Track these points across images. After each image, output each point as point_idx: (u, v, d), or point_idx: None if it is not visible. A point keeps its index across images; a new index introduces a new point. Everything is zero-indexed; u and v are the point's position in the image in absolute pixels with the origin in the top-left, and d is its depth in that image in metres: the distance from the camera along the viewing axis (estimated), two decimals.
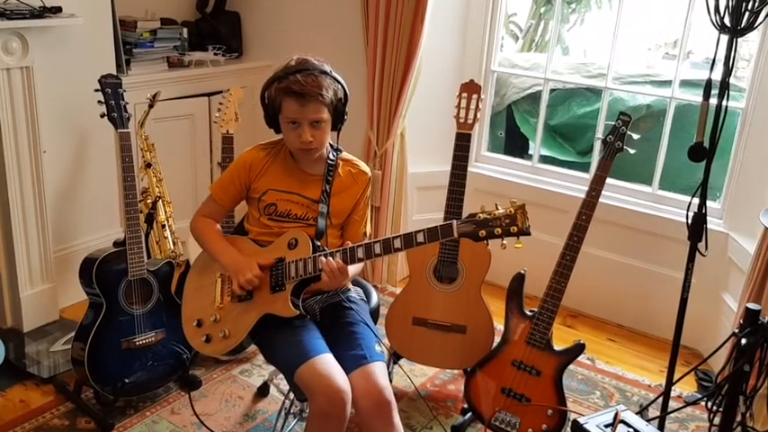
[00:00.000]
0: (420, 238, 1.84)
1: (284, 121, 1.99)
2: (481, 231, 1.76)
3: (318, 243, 2.00)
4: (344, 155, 2.15)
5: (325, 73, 1.96)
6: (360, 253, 1.91)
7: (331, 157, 2.09)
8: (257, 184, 2.09)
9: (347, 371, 1.93)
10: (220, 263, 2.08)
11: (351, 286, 2.24)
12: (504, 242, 1.77)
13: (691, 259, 2.33)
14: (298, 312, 1.95)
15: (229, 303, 2.06)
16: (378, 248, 1.89)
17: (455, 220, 1.79)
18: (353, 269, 2.06)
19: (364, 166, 2.17)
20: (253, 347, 2.31)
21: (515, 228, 1.74)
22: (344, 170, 2.12)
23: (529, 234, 1.74)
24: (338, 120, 2.02)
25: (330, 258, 1.91)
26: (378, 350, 2.00)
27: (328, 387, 1.84)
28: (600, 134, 3.35)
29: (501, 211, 1.76)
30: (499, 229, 1.75)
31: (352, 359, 1.95)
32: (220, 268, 2.10)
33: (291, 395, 2.33)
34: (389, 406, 1.91)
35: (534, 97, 4.15)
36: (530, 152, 4.20)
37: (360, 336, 2.02)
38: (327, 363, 1.89)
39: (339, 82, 2.00)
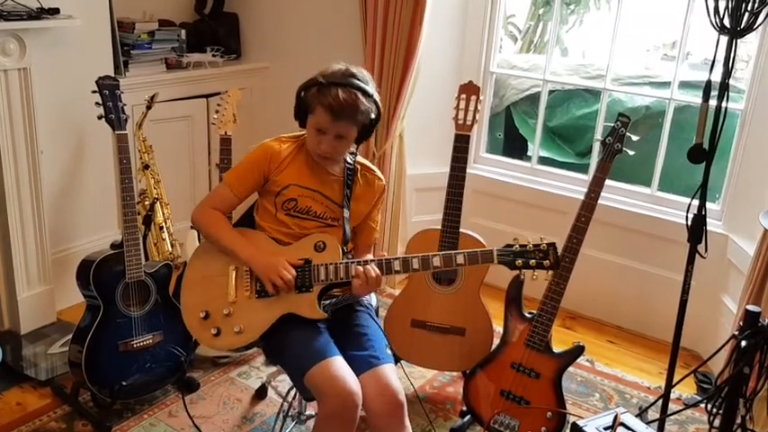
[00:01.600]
0: (460, 259, 1.93)
1: (311, 125, 1.99)
2: (518, 261, 1.90)
3: (346, 249, 2.02)
4: (360, 159, 2.14)
5: (366, 94, 1.95)
6: (396, 266, 1.94)
7: (349, 160, 2.09)
8: (277, 177, 2.05)
9: (358, 372, 1.92)
10: (242, 260, 2.01)
11: None
12: (536, 274, 1.92)
13: (690, 261, 2.33)
14: (325, 315, 1.96)
15: (245, 298, 2.01)
16: (416, 264, 1.94)
17: (495, 248, 1.92)
18: None
19: (380, 173, 2.17)
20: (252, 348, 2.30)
21: (548, 262, 1.89)
22: (362, 175, 2.12)
23: (559, 269, 1.94)
24: (364, 136, 2.03)
25: (367, 267, 1.92)
26: (388, 353, 2.00)
27: (342, 390, 1.83)
28: (599, 135, 3.34)
29: (534, 244, 1.90)
30: (534, 261, 1.90)
31: (363, 361, 1.95)
32: (232, 261, 2.04)
33: (290, 397, 2.33)
34: (402, 408, 1.91)
35: (533, 98, 4.15)
36: (528, 153, 4.20)
37: (371, 338, 2.02)
38: (339, 365, 1.88)
39: (376, 104, 1.99)
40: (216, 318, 2.02)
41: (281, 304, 1.99)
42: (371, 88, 1.98)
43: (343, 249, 2.00)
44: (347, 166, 2.08)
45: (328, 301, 2.08)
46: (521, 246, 1.91)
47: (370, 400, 1.90)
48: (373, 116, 1.99)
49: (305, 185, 2.06)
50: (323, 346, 1.93)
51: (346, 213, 2.06)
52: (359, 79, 1.96)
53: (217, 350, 2.67)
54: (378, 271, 1.93)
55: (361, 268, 1.92)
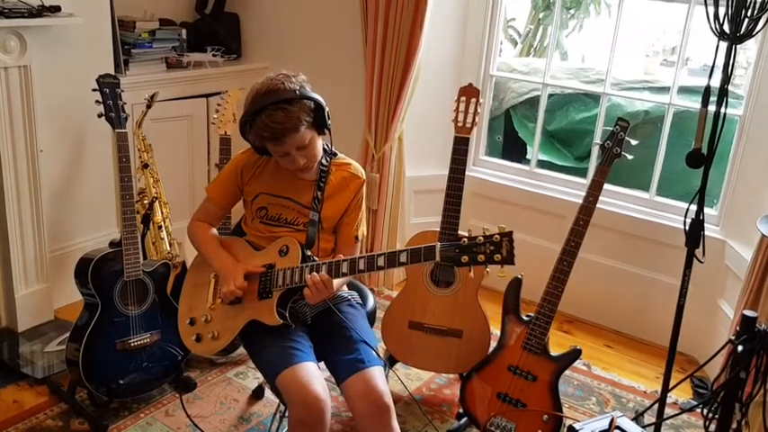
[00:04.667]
0: (403, 258, 1.81)
1: (274, 154, 1.99)
2: (464, 257, 1.71)
3: (309, 252, 2.00)
4: (339, 158, 2.13)
5: (290, 100, 1.87)
6: (344, 267, 1.89)
7: (324, 162, 2.08)
8: (249, 187, 2.10)
9: (345, 376, 1.93)
10: (214, 268, 2.10)
11: (346, 291, 2.23)
12: (488, 269, 1.74)
13: (688, 266, 2.33)
14: (282, 322, 1.95)
15: (220, 305, 2.07)
16: (362, 265, 1.87)
17: (439, 243, 1.76)
18: (342, 279, 2.04)
19: (358, 170, 2.15)
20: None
21: (499, 256, 1.69)
22: (337, 175, 2.10)
23: (512, 263, 1.70)
24: (322, 127, 1.97)
25: (314, 273, 1.90)
26: (375, 356, 2.00)
27: (306, 395, 1.83)
28: (598, 140, 3.35)
29: (486, 236, 1.71)
30: (482, 256, 1.70)
31: (349, 364, 1.95)
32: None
33: None
34: (389, 411, 1.91)
35: (532, 102, 4.16)
36: (528, 157, 4.20)
37: (357, 341, 2.01)
38: (308, 370, 1.88)
39: (309, 98, 1.91)
40: (198, 324, 2.09)
41: (245, 311, 2.01)
42: (294, 86, 1.89)
43: (304, 253, 1.97)
44: (321, 167, 2.07)
45: (301, 303, 2.08)
46: (469, 239, 1.71)
47: (357, 403, 1.90)
48: (312, 106, 1.92)
49: (274, 193, 2.07)
50: (295, 351, 1.93)
51: (313, 216, 2.05)
52: (276, 90, 1.88)
53: (202, 355, 2.67)
54: (326, 276, 1.88)
55: (308, 277, 1.89)
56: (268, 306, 1.97)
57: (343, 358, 1.97)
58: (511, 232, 1.70)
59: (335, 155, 2.13)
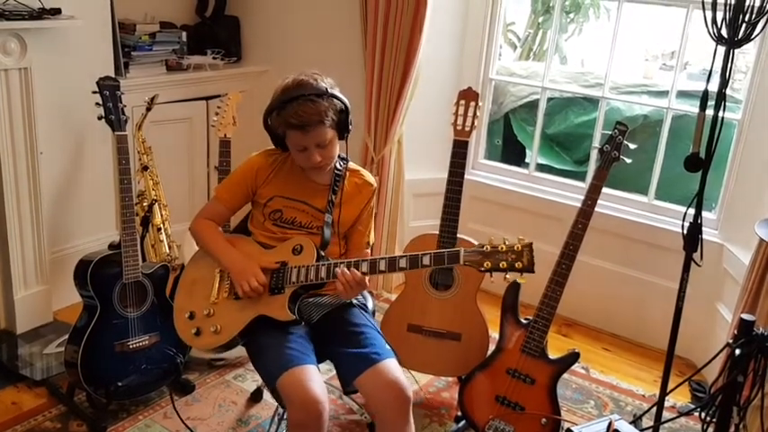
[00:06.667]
0: (426, 260, 1.88)
1: (292, 147, 2.01)
2: (486, 263, 1.81)
3: (323, 253, 2.02)
4: (351, 165, 2.16)
5: (321, 95, 1.93)
6: (364, 267, 1.93)
7: (338, 167, 2.10)
8: (264, 189, 2.11)
9: (359, 370, 1.93)
10: (223, 265, 2.08)
11: None
12: (508, 276, 1.82)
13: (686, 269, 2.33)
14: (293, 317, 1.96)
15: (225, 299, 2.06)
16: (383, 265, 1.92)
17: (463, 249, 1.84)
18: None
19: (370, 177, 2.18)
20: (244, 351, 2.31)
21: (520, 264, 1.79)
22: (350, 181, 2.13)
23: (533, 272, 1.79)
24: (343, 131, 2.03)
25: (349, 269, 1.91)
26: (388, 348, 2.00)
27: (305, 397, 1.84)
28: (597, 143, 3.35)
29: (508, 245, 1.80)
30: (504, 263, 1.80)
31: (363, 358, 1.95)
32: (219, 265, 2.10)
33: None
34: (409, 403, 1.92)
35: (531, 106, 4.16)
36: (527, 160, 4.21)
37: (368, 335, 2.03)
38: (308, 373, 1.89)
39: (337, 98, 1.98)
40: (198, 318, 2.08)
41: (255, 306, 2.01)
42: (325, 84, 1.97)
43: (319, 253, 2.00)
44: (336, 172, 2.10)
45: (314, 300, 2.09)
46: (492, 247, 1.82)
47: (376, 396, 1.90)
48: (341, 107, 1.98)
49: (290, 196, 2.09)
50: (296, 353, 1.93)
51: (327, 218, 2.07)
52: (308, 84, 1.95)
53: (200, 350, 2.67)
54: (358, 274, 1.91)
55: (339, 271, 1.92)
56: (280, 301, 1.97)
57: (356, 352, 1.97)
58: (531, 243, 1.81)
59: (348, 161, 2.15)
